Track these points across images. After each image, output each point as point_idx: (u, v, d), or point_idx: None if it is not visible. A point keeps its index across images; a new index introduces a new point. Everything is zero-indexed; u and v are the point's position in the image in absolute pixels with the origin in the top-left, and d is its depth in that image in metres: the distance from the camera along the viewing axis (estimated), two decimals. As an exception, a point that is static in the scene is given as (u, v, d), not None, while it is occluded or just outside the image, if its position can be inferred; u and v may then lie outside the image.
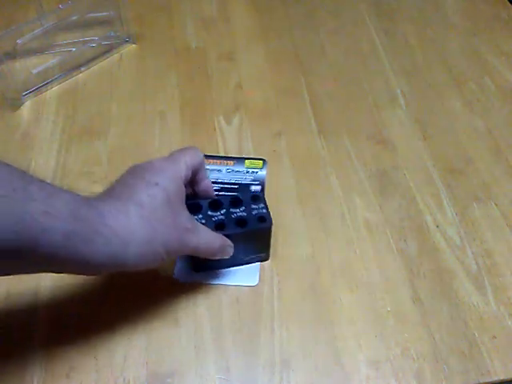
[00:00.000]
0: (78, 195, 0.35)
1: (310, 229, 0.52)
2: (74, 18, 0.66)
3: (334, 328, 0.45)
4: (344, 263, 0.49)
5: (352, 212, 0.53)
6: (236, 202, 0.45)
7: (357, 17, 0.74)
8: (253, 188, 0.50)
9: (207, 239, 0.41)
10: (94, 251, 0.34)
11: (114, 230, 0.35)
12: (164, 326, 0.45)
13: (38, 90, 0.64)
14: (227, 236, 0.43)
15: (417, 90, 0.65)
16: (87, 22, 0.69)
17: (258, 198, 0.46)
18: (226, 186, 0.51)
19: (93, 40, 0.68)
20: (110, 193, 0.38)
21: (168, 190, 0.38)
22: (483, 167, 0.57)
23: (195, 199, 0.45)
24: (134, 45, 0.70)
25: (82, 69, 0.66)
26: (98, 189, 0.39)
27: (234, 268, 0.49)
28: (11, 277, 0.34)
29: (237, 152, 0.57)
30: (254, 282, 0.48)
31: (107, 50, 0.68)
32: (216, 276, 0.48)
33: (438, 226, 0.52)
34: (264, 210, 0.45)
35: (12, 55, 0.64)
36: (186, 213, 0.40)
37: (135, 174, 0.39)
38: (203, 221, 0.44)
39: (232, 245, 0.44)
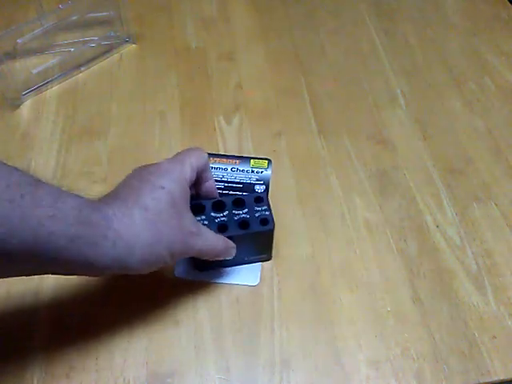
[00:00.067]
0: (83, 198, 0.35)
1: (310, 229, 0.52)
2: (74, 17, 0.66)
3: (334, 328, 0.45)
4: (344, 263, 0.49)
5: (352, 212, 0.53)
6: (239, 203, 0.45)
7: (357, 17, 0.74)
8: (257, 188, 0.51)
9: (211, 242, 0.41)
10: (99, 254, 0.34)
11: (118, 233, 0.35)
12: (164, 326, 0.45)
13: (37, 89, 0.64)
14: (230, 237, 0.43)
15: (417, 90, 0.65)
16: (87, 22, 0.69)
17: (262, 199, 0.46)
18: (230, 184, 0.51)
19: (93, 40, 0.68)
20: (115, 195, 0.38)
21: (173, 193, 0.39)
22: (483, 167, 0.57)
23: (198, 200, 0.45)
24: (133, 45, 0.70)
25: (82, 69, 0.66)
26: (98, 189, 0.39)
27: (236, 267, 0.49)
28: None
29: (237, 152, 0.57)
30: (255, 281, 0.48)
31: (107, 50, 0.68)
32: (217, 275, 0.48)
33: (438, 226, 0.52)
34: (267, 212, 0.45)
35: (12, 55, 0.64)
36: (190, 215, 0.41)
37: (141, 176, 0.39)
38: (206, 222, 0.44)
39: (234, 246, 0.44)
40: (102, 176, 0.55)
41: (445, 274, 0.49)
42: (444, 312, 0.47)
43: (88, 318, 0.46)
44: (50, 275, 0.35)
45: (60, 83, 0.65)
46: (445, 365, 0.44)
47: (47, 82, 0.65)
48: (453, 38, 0.72)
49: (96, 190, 0.38)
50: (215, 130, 0.60)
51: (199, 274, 0.48)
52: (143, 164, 0.41)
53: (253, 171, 0.52)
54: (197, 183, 0.44)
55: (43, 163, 0.57)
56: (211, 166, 0.50)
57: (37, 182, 0.33)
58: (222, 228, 0.44)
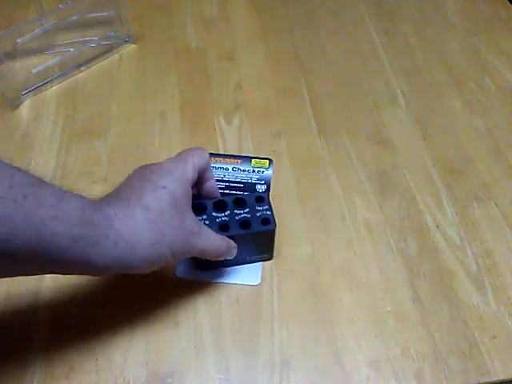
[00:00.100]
0: (85, 198, 0.35)
1: (310, 229, 0.52)
2: (74, 17, 0.66)
3: (334, 328, 0.45)
4: (344, 263, 0.49)
5: (352, 212, 0.53)
6: (240, 203, 0.46)
7: (357, 17, 0.74)
8: (258, 187, 0.51)
9: (213, 242, 0.41)
10: (101, 254, 0.34)
11: (120, 233, 0.35)
12: (164, 327, 0.45)
13: (37, 89, 0.64)
14: (231, 237, 0.43)
15: (417, 89, 0.65)
16: (87, 22, 0.69)
17: (263, 199, 0.46)
18: (231, 184, 0.51)
19: (93, 40, 0.68)
20: (117, 195, 0.38)
21: (175, 193, 0.39)
22: (483, 167, 0.57)
23: (199, 199, 0.45)
24: (133, 45, 0.70)
25: (82, 69, 0.66)
26: (98, 189, 0.39)
27: (237, 267, 0.49)
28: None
29: (237, 152, 0.57)
30: (256, 281, 0.48)
31: (107, 50, 0.68)
32: (218, 275, 0.48)
33: (438, 226, 0.52)
34: (268, 212, 0.45)
35: (12, 55, 0.64)
36: (192, 215, 0.41)
37: (142, 176, 0.39)
38: (207, 222, 0.44)
39: (235, 246, 0.44)
40: (102, 176, 0.55)
41: (445, 274, 0.49)
42: (444, 312, 0.47)
43: (88, 318, 0.46)
44: (50, 275, 0.35)
45: (60, 83, 0.65)
46: (445, 365, 0.44)
47: (47, 82, 0.65)
48: (453, 38, 0.72)
49: (96, 190, 0.38)
50: (215, 130, 0.60)
51: (200, 273, 0.48)
52: (143, 164, 0.41)
53: (254, 171, 0.52)
54: (198, 183, 0.44)
55: (43, 163, 0.57)
56: (212, 165, 0.50)
57: (40, 183, 0.33)
58: (223, 228, 0.44)
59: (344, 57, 0.69)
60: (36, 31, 0.63)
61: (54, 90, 0.64)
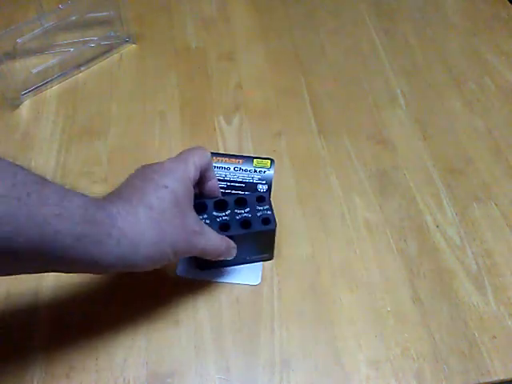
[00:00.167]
0: (88, 196, 0.35)
1: (310, 229, 0.52)
2: (74, 18, 0.66)
3: (334, 328, 0.45)
4: (344, 263, 0.49)
5: (352, 212, 0.53)
6: (241, 203, 0.46)
7: (357, 17, 0.74)
8: (259, 187, 0.51)
9: (214, 242, 0.42)
10: (104, 252, 0.34)
11: (123, 231, 0.35)
12: (164, 326, 0.45)
13: (37, 89, 0.64)
14: (231, 237, 0.44)
15: (417, 89, 0.65)
16: (87, 22, 0.69)
17: (263, 198, 0.46)
18: (232, 184, 0.51)
19: (92, 40, 0.67)
20: (119, 195, 0.38)
21: (177, 192, 0.39)
22: (483, 167, 0.57)
23: (201, 198, 0.45)
24: (134, 45, 0.70)
25: (82, 69, 0.66)
26: (98, 189, 0.39)
27: (237, 267, 0.49)
28: (12, 276, 0.35)
29: (237, 152, 0.57)
30: (257, 281, 0.48)
31: (107, 50, 0.68)
32: (219, 274, 0.48)
33: (438, 226, 0.52)
34: (269, 212, 0.45)
35: (12, 55, 0.64)
36: (193, 214, 0.41)
37: (144, 175, 0.39)
38: (208, 221, 0.44)
39: (235, 246, 0.44)
40: (102, 176, 0.55)
41: (445, 274, 0.49)
42: (444, 312, 0.47)
43: (88, 317, 0.46)
44: (50, 273, 0.35)
45: (60, 83, 0.65)
46: (445, 365, 0.44)
47: (47, 82, 0.65)
48: (453, 38, 0.72)
49: (96, 190, 0.38)
50: (215, 129, 0.60)
51: (201, 272, 0.48)
52: (143, 164, 0.41)
53: (255, 171, 0.52)
54: (200, 182, 0.44)
55: (43, 163, 0.57)
56: (214, 165, 0.50)
57: (43, 181, 0.33)
58: (223, 227, 0.44)
59: (344, 57, 0.69)
60: (36, 31, 0.63)
61: (53, 90, 0.64)
